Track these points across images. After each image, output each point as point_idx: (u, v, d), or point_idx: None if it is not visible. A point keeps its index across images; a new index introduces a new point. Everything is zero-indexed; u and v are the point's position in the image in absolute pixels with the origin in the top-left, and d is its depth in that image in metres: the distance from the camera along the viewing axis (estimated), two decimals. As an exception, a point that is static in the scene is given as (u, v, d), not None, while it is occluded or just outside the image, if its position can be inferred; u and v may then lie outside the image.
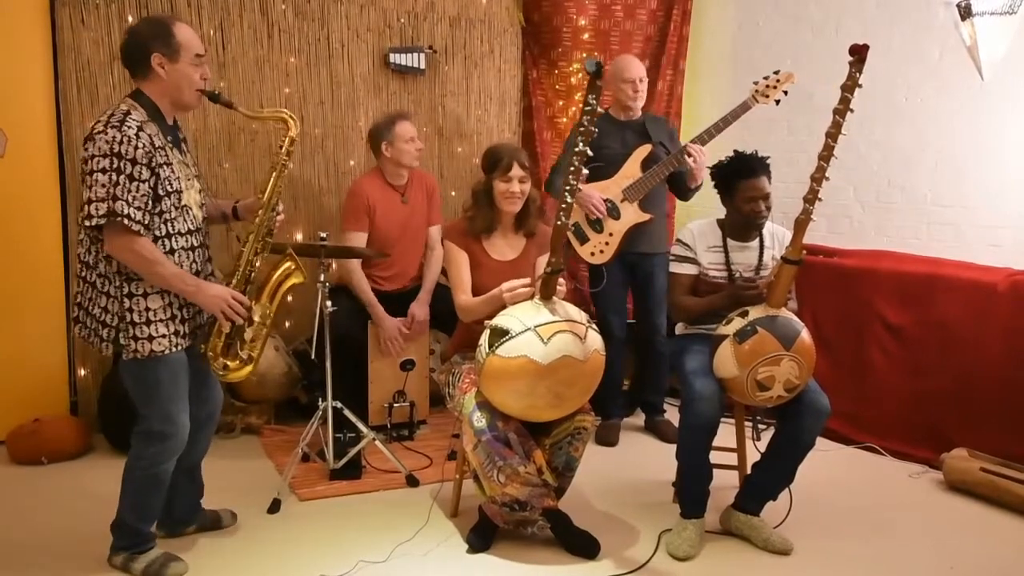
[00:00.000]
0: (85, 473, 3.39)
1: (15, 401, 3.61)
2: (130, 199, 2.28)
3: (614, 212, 3.78)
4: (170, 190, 2.39)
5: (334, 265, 4.02)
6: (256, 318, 2.58)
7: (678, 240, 3.07)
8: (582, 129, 2.43)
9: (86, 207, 2.30)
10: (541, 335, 2.51)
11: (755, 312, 2.73)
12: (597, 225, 3.79)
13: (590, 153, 2.48)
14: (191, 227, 2.49)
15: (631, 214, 3.79)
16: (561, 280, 2.68)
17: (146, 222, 2.32)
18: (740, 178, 2.91)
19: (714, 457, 2.87)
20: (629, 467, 3.61)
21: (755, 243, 3.01)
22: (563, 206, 2.52)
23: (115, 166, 2.26)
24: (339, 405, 3.28)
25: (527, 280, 2.76)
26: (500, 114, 4.71)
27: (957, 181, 3.93)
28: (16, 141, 3.58)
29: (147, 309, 2.39)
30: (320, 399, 3.30)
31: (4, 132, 3.55)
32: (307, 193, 4.24)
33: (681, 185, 3.82)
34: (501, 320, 2.59)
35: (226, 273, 2.64)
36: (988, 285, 3.54)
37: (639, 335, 4.03)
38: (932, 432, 3.66)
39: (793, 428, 2.79)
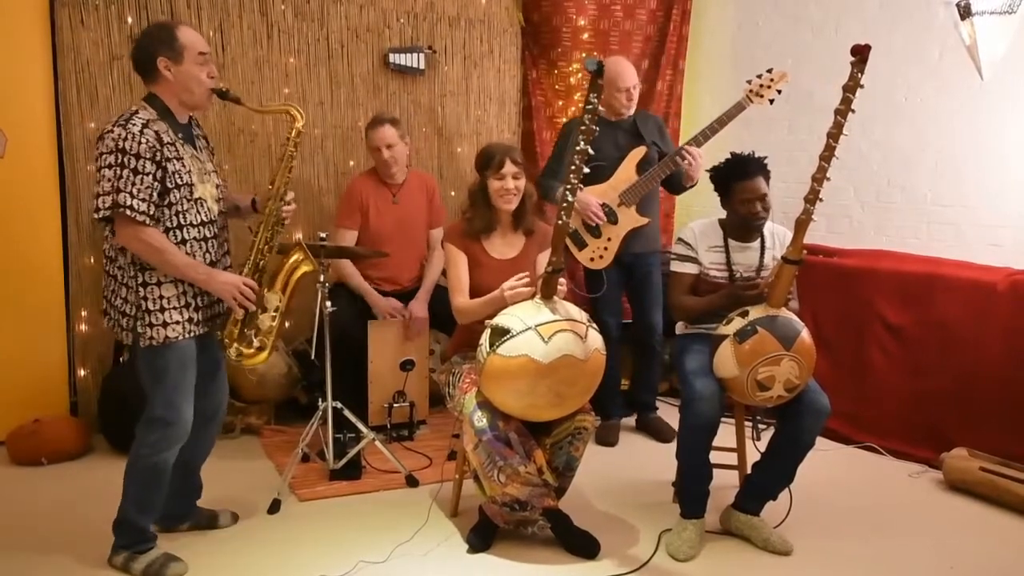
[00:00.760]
0: (85, 474, 3.39)
1: (15, 401, 3.61)
2: (134, 191, 2.37)
3: (612, 217, 3.78)
4: (180, 183, 2.47)
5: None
6: (271, 308, 2.66)
7: (679, 239, 3.07)
8: (583, 128, 2.43)
9: (94, 201, 2.42)
10: (542, 334, 2.51)
11: (755, 312, 2.73)
12: (595, 230, 3.79)
13: (591, 152, 2.48)
14: (204, 219, 2.57)
15: (629, 218, 3.79)
16: (562, 280, 2.68)
17: (151, 212, 2.41)
18: (735, 180, 2.92)
19: (714, 457, 2.87)
20: (629, 467, 3.61)
21: (756, 243, 3.01)
22: (564, 205, 2.52)
23: (119, 161, 2.37)
24: (339, 405, 3.28)
25: (526, 276, 2.76)
26: (499, 114, 4.72)
27: (957, 181, 3.93)
28: (16, 141, 3.58)
29: (161, 297, 2.48)
30: (320, 399, 3.30)
31: (4, 132, 3.55)
32: (307, 193, 4.24)
33: (676, 184, 3.83)
34: (502, 319, 2.59)
35: (238, 264, 2.72)
36: (988, 285, 3.54)
37: (635, 334, 4.03)
38: (932, 432, 3.66)
39: (793, 428, 2.79)
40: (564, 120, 4.67)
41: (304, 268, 2.75)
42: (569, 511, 2.83)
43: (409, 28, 4.39)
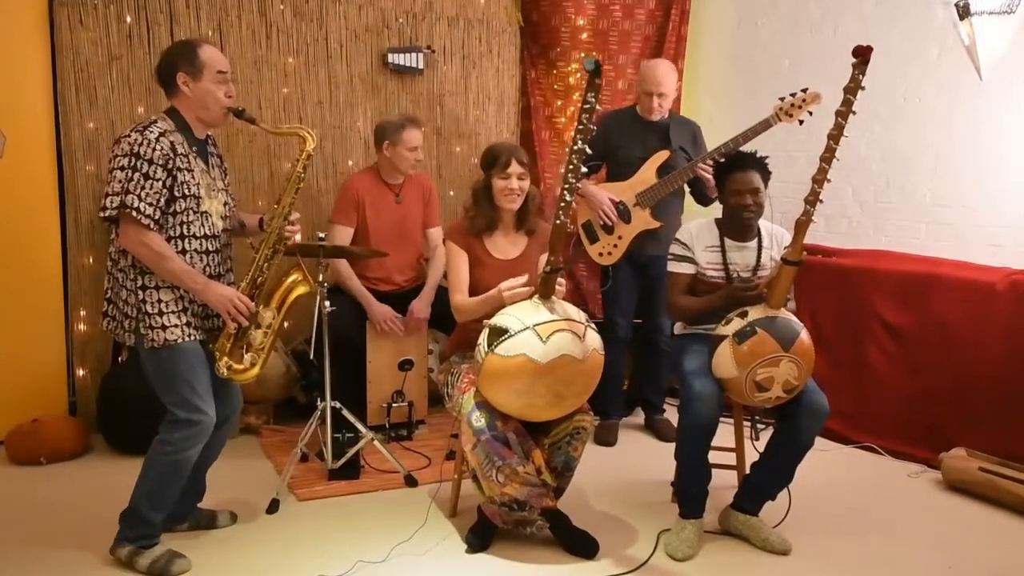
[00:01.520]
0: (84, 473, 3.39)
1: (14, 401, 3.60)
2: (143, 195, 2.42)
3: (625, 216, 3.80)
4: (187, 193, 2.52)
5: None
6: (264, 324, 2.67)
7: (676, 239, 3.07)
8: (580, 128, 2.43)
9: (103, 200, 2.46)
10: (540, 334, 2.51)
11: (754, 313, 2.73)
12: (608, 227, 3.83)
13: (589, 151, 2.48)
14: (208, 232, 2.61)
15: (641, 219, 3.80)
16: (560, 279, 2.68)
17: (156, 217, 2.45)
18: (730, 171, 2.94)
19: (713, 457, 2.87)
20: (628, 467, 3.61)
21: (753, 243, 3.01)
22: (562, 205, 2.52)
23: (132, 164, 2.43)
24: (338, 405, 3.28)
25: (525, 279, 2.76)
26: (498, 114, 4.72)
27: (956, 181, 3.93)
28: (15, 141, 3.58)
29: (159, 301, 2.52)
30: (319, 399, 3.30)
31: (3, 133, 3.55)
32: (305, 194, 4.23)
33: (702, 195, 3.87)
34: (500, 319, 2.59)
35: (237, 278, 2.73)
36: (987, 285, 3.54)
37: (643, 334, 4.06)
38: (931, 432, 3.66)
39: (792, 428, 2.79)
40: (563, 119, 4.68)
41: (300, 290, 2.78)
42: (568, 511, 2.82)
43: (408, 28, 4.39)
